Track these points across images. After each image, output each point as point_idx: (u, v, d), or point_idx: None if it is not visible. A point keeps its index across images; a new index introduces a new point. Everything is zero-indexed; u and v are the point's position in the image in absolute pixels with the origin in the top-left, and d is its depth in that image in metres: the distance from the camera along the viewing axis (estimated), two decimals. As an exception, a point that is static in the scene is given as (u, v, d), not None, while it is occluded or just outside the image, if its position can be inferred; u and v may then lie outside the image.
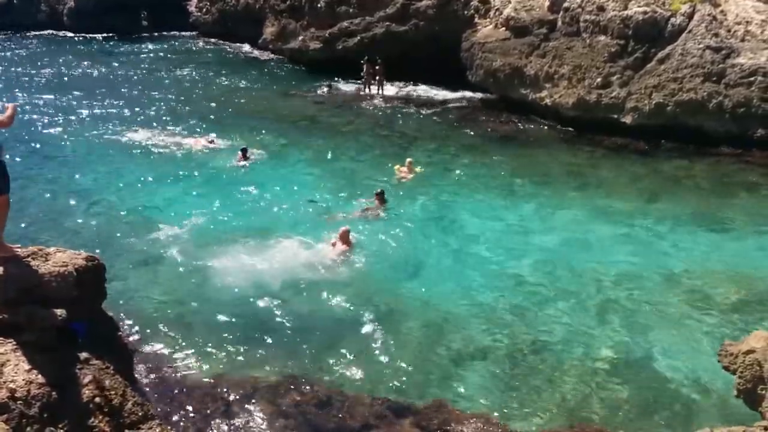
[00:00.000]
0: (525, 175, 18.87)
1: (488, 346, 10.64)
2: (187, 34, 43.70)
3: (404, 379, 9.73)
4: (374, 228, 14.77)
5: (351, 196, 16.79)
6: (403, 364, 10.06)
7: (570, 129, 22.99)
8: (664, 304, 11.90)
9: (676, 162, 19.92)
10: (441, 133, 23.25)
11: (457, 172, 19.07)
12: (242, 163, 18.76)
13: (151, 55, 37.59)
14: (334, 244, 13.52)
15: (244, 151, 18.98)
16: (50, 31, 45.12)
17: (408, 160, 18.58)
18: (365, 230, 14.53)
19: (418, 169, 18.39)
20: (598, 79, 22.41)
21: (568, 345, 10.66)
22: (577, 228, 15.29)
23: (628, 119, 21.80)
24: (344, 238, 13.46)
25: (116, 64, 34.27)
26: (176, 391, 9.17)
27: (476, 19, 28.03)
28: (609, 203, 16.79)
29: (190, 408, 8.87)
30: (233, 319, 11.04)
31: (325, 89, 29.55)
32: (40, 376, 6.47)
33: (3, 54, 37.31)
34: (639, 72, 21.93)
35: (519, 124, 24.22)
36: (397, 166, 18.53)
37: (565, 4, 24.04)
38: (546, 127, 23.75)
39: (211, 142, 20.55)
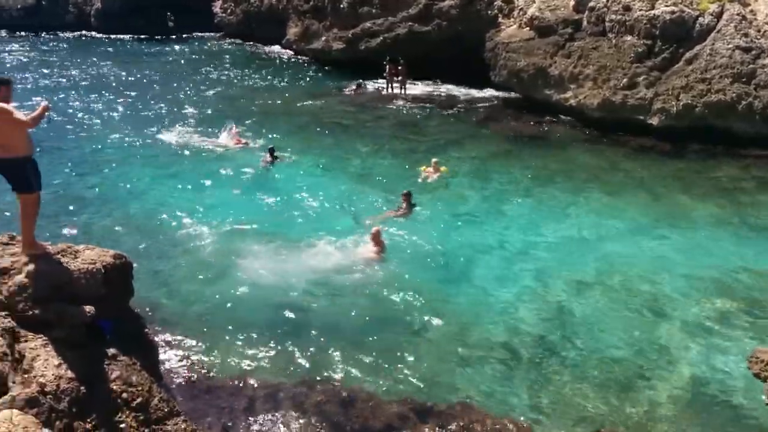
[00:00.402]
0: (549, 175, 18.73)
1: (515, 347, 10.55)
2: (212, 35, 44.13)
3: (429, 380, 9.69)
4: (401, 228, 14.72)
5: (376, 197, 16.76)
6: (428, 366, 10.02)
7: (594, 130, 22.77)
8: (697, 307, 11.71)
9: (704, 163, 19.65)
10: (464, 133, 23.17)
11: (481, 172, 19.00)
12: (269, 163, 18.83)
13: (176, 56, 38.00)
14: (364, 245, 13.49)
15: (271, 151, 19.06)
16: (78, 32, 45.81)
17: (433, 160, 18.52)
18: (392, 231, 14.49)
19: (443, 169, 18.32)
20: (624, 80, 22.18)
21: (597, 348, 10.54)
22: (603, 229, 15.13)
23: (654, 120, 21.54)
24: (376, 239, 13.40)
25: (143, 65, 34.65)
26: (201, 389, 9.23)
27: (500, 19, 27.92)
28: (635, 205, 16.59)
29: (214, 406, 8.91)
30: (259, 318, 11.07)
31: (354, 87, 29.53)
32: (69, 371, 6.56)
33: (32, 55, 37.91)
34: (666, 73, 21.67)
35: (543, 125, 24.06)
36: (422, 167, 18.48)
37: (591, 4, 23.83)
38: (570, 128, 23.56)
39: (241, 142, 20.63)
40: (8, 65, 34.33)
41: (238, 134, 21.08)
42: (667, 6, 21.90)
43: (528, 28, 26.12)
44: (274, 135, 21.60)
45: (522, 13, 26.84)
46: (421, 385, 9.56)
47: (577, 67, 23.53)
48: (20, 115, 7.01)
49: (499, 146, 21.70)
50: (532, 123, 24.27)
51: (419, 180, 17.93)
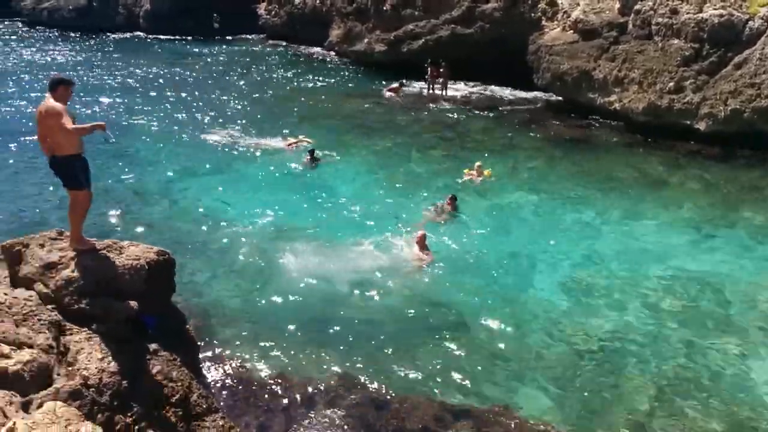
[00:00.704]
0: (592, 180, 18.46)
1: (555, 353, 10.43)
2: (256, 36, 44.71)
3: (466, 384, 9.64)
4: (444, 232, 14.67)
5: (417, 199, 16.71)
6: (466, 369, 9.96)
7: (639, 134, 22.35)
8: (743, 316, 11.40)
9: (753, 169, 19.12)
10: (506, 136, 22.99)
11: (524, 175, 18.81)
12: (310, 164, 18.97)
13: (221, 56, 38.59)
14: (409, 249, 13.44)
15: (311, 153, 19.21)
16: (127, 33, 46.92)
17: (477, 163, 18.37)
18: (435, 234, 14.44)
19: (486, 172, 18.18)
20: (671, 84, 21.72)
21: (641, 357, 10.32)
22: (648, 235, 14.86)
23: (701, 125, 21.05)
24: (421, 243, 13.34)
25: (189, 66, 35.29)
26: (239, 386, 9.35)
27: (543, 22, 27.63)
28: (681, 210, 16.26)
29: (251, 403, 9.02)
30: (298, 318, 11.16)
31: (394, 86, 29.50)
32: (111, 365, 6.72)
33: (82, 55, 38.96)
34: (714, 77, 21.14)
35: (586, 128, 23.73)
36: (466, 170, 18.38)
37: (637, 7, 23.41)
38: (614, 132, 23.18)
39: (290, 144, 20.74)
40: (60, 64, 35.31)
41: (295, 142, 21.05)
42: (715, 9, 21.35)
43: (572, 31, 25.79)
44: (314, 136, 21.75)
45: (566, 15, 26.52)
46: (458, 389, 9.52)
47: (622, 71, 23.13)
48: (67, 120, 7.19)
49: (541, 150, 21.47)
50: (575, 126, 23.96)
51: (463, 182, 17.81)
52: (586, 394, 9.48)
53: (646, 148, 21.47)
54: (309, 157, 19.08)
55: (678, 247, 14.27)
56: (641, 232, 15.07)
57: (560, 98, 26.43)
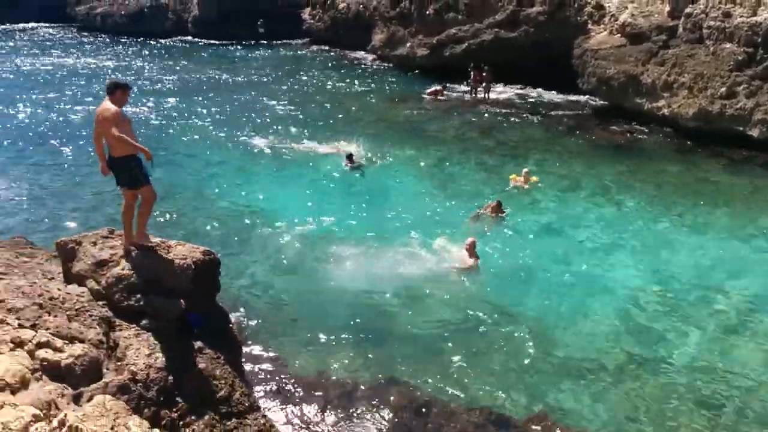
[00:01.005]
0: (640, 187, 18.07)
1: (598, 362, 10.25)
2: (299, 41, 45.24)
3: (508, 391, 9.54)
4: (491, 237, 14.56)
5: (462, 204, 16.57)
6: (509, 376, 9.88)
7: (688, 140, 21.85)
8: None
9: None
10: (551, 141, 22.73)
11: (570, 182, 18.51)
12: (349, 168, 19.10)
13: (266, 61, 39.17)
14: (457, 254, 13.35)
15: (349, 157, 19.29)
16: (176, 38, 48.00)
17: (525, 170, 18.16)
18: (482, 239, 14.31)
19: (533, 178, 17.98)
20: (722, 89, 21.16)
21: (685, 369, 10.07)
22: (698, 244, 14.51)
23: (755, 132, 20.44)
24: (470, 249, 13.21)
25: (235, 70, 35.90)
26: (280, 385, 9.45)
27: (589, 26, 27.25)
28: (733, 218, 15.82)
29: (291, 402, 9.10)
30: (341, 320, 11.22)
31: (437, 88, 29.39)
32: (158, 361, 6.86)
33: (134, 59, 39.97)
34: (768, 82, 20.55)
35: (633, 134, 23.30)
36: (513, 175, 18.19)
37: (687, 10, 22.90)
38: (662, 137, 22.71)
39: (335, 148, 20.76)
40: (112, 68, 36.31)
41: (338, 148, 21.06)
42: (771, 12, 20.76)
43: (619, 35, 25.37)
44: (359, 140, 21.85)
45: (613, 19, 26.10)
46: (501, 396, 9.42)
47: (671, 75, 22.64)
48: (115, 130, 7.38)
49: (586, 155, 21.14)
50: (621, 132, 23.56)
51: (507, 188, 17.62)
52: (626, 403, 9.30)
53: (696, 154, 20.97)
54: (348, 161, 19.16)
55: (732, 257, 13.87)
56: (692, 241, 14.72)
57: (605, 103, 26.00)
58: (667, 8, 23.99)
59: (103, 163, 7.86)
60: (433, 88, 29.45)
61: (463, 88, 30.50)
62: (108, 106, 7.51)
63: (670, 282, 12.78)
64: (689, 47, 22.64)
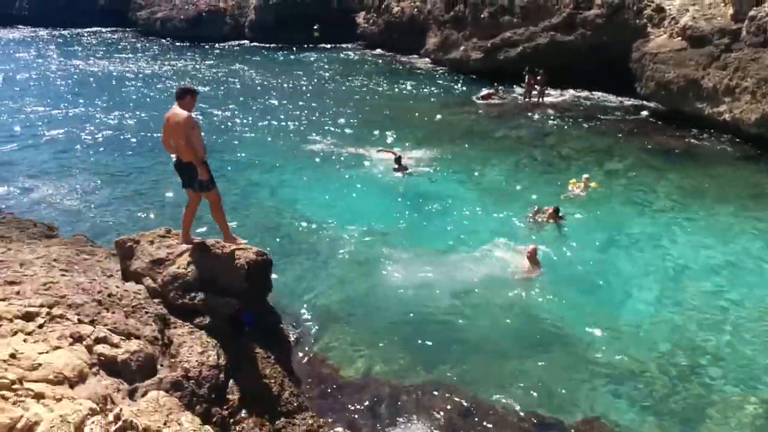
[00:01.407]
0: (701, 194, 17.55)
1: (650, 369, 10.05)
2: (354, 45, 45.54)
3: (556, 397, 9.44)
4: (548, 243, 14.34)
5: (517, 210, 16.33)
6: (559, 382, 9.76)
7: (751, 147, 21.07)
8: None
9: None
10: (607, 146, 22.24)
11: (628, 189, 18.06)
12: (399, 173, 18.95)
13: (322, 65, 39.53)
14: (520, 260, 13.21)
15: (398, 161, 19.16)
16: (233, 42, 48.98)
17: (585, 175, 17.82)
18: (540, 245, 14.13)
19: (593, 184, 17.62)
20: (788, 94, 20.35)
21: (735, 379, 9.77)
22: (759, 254, 13.99)
23: (822, 138, 19.61)
24: (532, 257, 13.05)
25: (290, 74, 36.32)
26: (328, 386, 9.53)
27: (649, 29, 26.59)
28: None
29: (339, 403, 9.17)
30: (392, 322, 11.27)
31: (489, 92, 29.08)
32: (211, 359, 7.00)
33: (193, 63, 40.93)
34: (837, 86, 19.66)
35: (692, 139, 22.60)
36: (572, 180, 17.88)
37: (752, 13, 22.09)
38: (723, 143, 21.96)
39: (388, 152, 20.54)
40: (172, 72, 37.27)
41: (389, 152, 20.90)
42: (843, 13, 19.86)
43: (679, 38, 24.68)
44: (409, 145, 21.80)
45: (674, 22, 25.41)
46: (550, 402, 9.33)
47: (734, 80, 21.89)
48: (185, 138, 7.68)
49: (645, 161, 20.59)
50: (680, 137, 22.88)
51: (563, 197, 17.23)
52: (676, 410, 9.13)
53: (759, 161, 20.20)
54: (397, 166, 19.05)
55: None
56: (755, 251, 14.20)
57: (664, 108, 25.32)
58: (731, 11, 23.22)
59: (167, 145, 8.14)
60: (485, 92, 29.19)
61: (519, 90, 30.15)
62: (178, 111, 7.76)
63: (725, 292, 12.40)
64: (753, 51, 21.85)
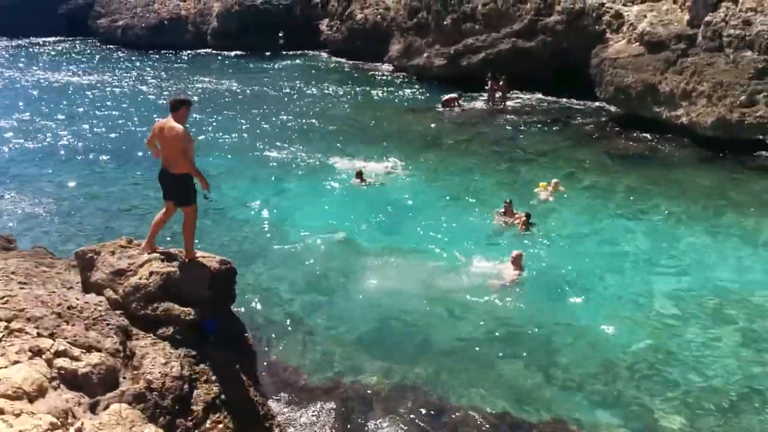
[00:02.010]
0: (660, 196, 17.93)
1: (617, 369, 10.26)
2: (317, 52, 45.52)
3: (524, 396, 9.59)
4: (517, 248, 14.52)
5: (484, 215, 16.47)
6: (527, 382, 9.92)
7: (707, 149, 21.62)
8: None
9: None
10: (569, 150, 22.58)
11: (592, 192, 18.38)
12: (360, 184, 18.70)
13: (284, 72, 39.40)
14: (492, 266, 13.29)
15: (359, 174, 18.90)
16: (195, 50, 48.53)
17: (554, 180, 18.08)
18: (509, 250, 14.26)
19: (561, 188, 17.85)
20: (742, 97, 20.94)
21: (705, 379, 10.01)
22: (716, 252, 14.43)
23: (775, 140, 20.22)
24: (517, 261, 13.10)
25: (252, 82, 36.09)
26: (295, 393, 9.50)
27: (608, 34, 27.12)
28: (757, 227, 15.66)
29: (307, 409, 9.15)
30: (358, 329, 11.30)
31: (453, 96, 29.23)
32: (174, 370, 6.92)
33: (154, 72, 40.44)
34: (789, 89, 20.28)
35: (651, 142, 23.10)
36: (542, 184, 18.10)
37: (707, 18, 22.72)
38: (680, 147, 22.48)
39: (351, 162, 20.36)
40: (131, 82, 36.77)
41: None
42: (792, 19, 20.53)
43: (637, 44, 25.23)
44: (377, 151, 21.74)
45: (632, 28, 25.95)
46: (516, 402, 9.47)
47: (690, 84, 22.46)
48: (189, 148, 7.78)
49: (607, 165, 20.99)
50: (639, 140, 23.36)
51: (537, 197, 17.51)
52: (642, 409, 9.34)
53: (715, 163, 20.75)
54: (357, 179, 18.82)
55: (753, 267, 13.77)
56: (707, 249, 14.65)
57: (623, 112, 25.85)
58: (687, 17, 23.83)
59: (155, 150, 8.18)
60: (448, 96, 29.22)
61: (482, 98, 30.34)
62: (174, 124, 7.76)
63: (688, 291, 12.73)
64: (709, 55, 22.45)
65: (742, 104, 20.94)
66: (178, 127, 7.72)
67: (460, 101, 29.21)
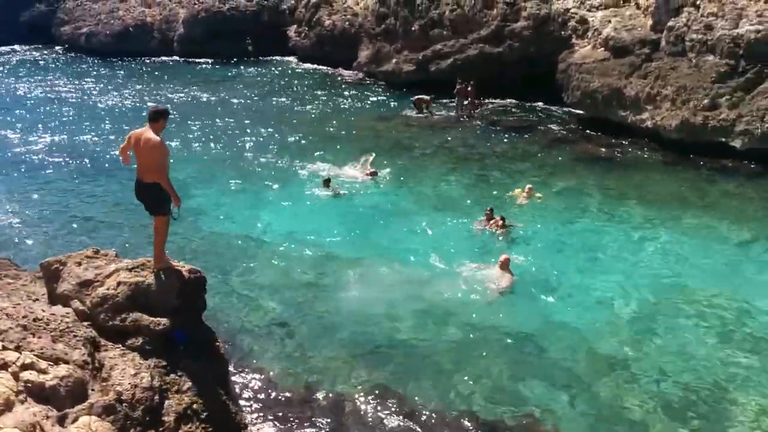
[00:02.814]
0: (627, 198, 18.28)
1: (595, 370, 10.42)
2: (286, 58, 45.34)
3: (498, 397, 9.67)
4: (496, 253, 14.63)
5: (456, 221, 16.56)
6: (500, 383, 10.03)
7: (672, 152, 22.05)
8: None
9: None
10: (539, 155, 22.84)
11: (562, 197, 18.59)
12: (326, 192, 18.60)
13: (252, 79, 39.13)
14: (488, 271, 13.32)
15: (326, 182, 18.79)
16: (161, 58, 47.97)
17: (528, 186, 18.23)
18: (488, 255, 14.32)
19: (537, 195, 18.00)
20: (705, 101, 21.41)
21: (676, 374, 10.25)
22: (685, 253, 14.75)
23: (737, 143, 20.67)
24: (505, 266, 13.14)
25: (219, 90, 35.71)
26: (268, 401, 9.43)
27: (573, 40, 27.55)
28: (721, 228, 16.06)
29: (280, 418, 9.08)
30: (331, 335, 11.28)
31: (425, 97, 29.18)
32: (144, 380, 6.81)
33: (120, 80, 39.88)
34: (751, 93, 20.77)
35: (617, 146, 23.49)
36: (517, 190, 18.25)
37: (670, 23, 23.21)
38: (646, 150, 22.91)
39: (371, 173, 20.06)
40: (96, 90, 36.19)
41: (370, 166, 20.57)
42: (752, 25, 21.04)
43: (602, 49, 25.66)
44: (349, 159, 21.60)
45: (597, 33, 26.41)
46: (495, 404, 9.57)
47: (654, 88, 22.90)
48: (166, 162, 7.79)
49: (572, 168, 21.28)
50: (606, 144, 23.71)
51: (515, 203, 17.67)
52: (615, 406, 9.54)
53: (680, 165, 21.18)
54: (325, 187, 18.69)
55: (719, 265, 14.12)
56: (674, 249, 14.99)
57: (589, 116, 26.23)
58: (650, 22, 24.32)
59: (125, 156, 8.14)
60: (418, 96, 29.22)
61: (452, 104, 30.45)
62: (152, 135, 7.68)
63: (657, 290, 13.01)
64: (672, 60, 22.93)
65: (705, 107, 21.40)
66: (156, 138, 7.67)
67: (431, 105, 29.26)
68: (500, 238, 15.40)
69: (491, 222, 15.78)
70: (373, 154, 21.06)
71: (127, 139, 7.95)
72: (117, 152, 8.22)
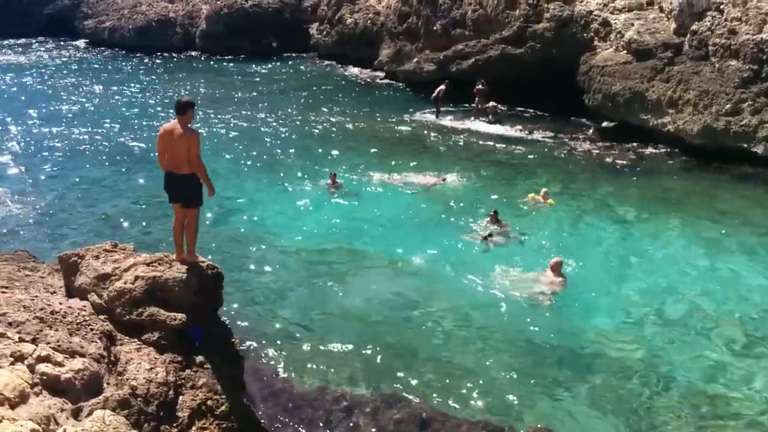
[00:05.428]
0: (650, 204, 18.09)
1: (602, 376, 10.31)
2: (307, 55, 45.44)
3: (508, 405, 9.58)
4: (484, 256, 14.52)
5: (467, 224, 16.50)
6: (509, 391, 9.89)
7: (693, 157, 21.79)
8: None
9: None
10: (557, 158, 22.68)
11: (579, 200, 18.44)
12: (332, 188, 18.56)
13: (271, 76, 39.23)
14: (540, 274, 13.25)
15: (332, 176, 18.74)
16: (183, 53, 48.26)
17: (544, 189, 18.10)
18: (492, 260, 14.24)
19: (550, 201, 17.86)
20: (727, 106, 21.13)
21: (689, 385, 10.06)
22: (702, 258, 14.60)
23: (759, 149, 20.38)
24: (556, 268, 12.98)
25: (239, 86, 35.91)
26: (281, 400, 9.42)
27: (595, 42, 27.29)
28: (741, 235, 15.82)
29: (292, 417, 9.07)
30: (345, 335, 11.21)
31: (442, 87, 29.16)
32: (159, 375, 6.85)
33: (141, 75, 40.18)
34: (774, 99, 20.48)
35: (638, 151, 23.26)
36: (531, 194, 18.11)
37: (693, 27, 22.93)
38: (667, 154, 22.65)
39: (441, 180, 19.81)
40: (118, 84, 36.48)
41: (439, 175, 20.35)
42: (777, 29, 20.73)
43: (625, 52, 25.40)
44: (355, 159, 21.55)
45: (619, 36, 26.13)
46: (501, 410, 9.45)
47: (677, 92, 22.64)
48: (193, 154, 7.87)
49: (593, 172, 21.08)
50: (626, 149, 23.50)
51: (527, 209, 17.53)
52: (629, 417, 9.33)
53: (701, 171, 20.93)
54: (330, 182, 18.67)
55: (739, 272, 13.91)
56: (690, 253, 14.85)
57: (611, 119, 26.00)
58: (673, 25, 24.03)
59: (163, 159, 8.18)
60: (439, 87, 29.17)
61: (470, 107, 30.31)
62: (183, 127, 7.82)
63: (674, 298, 12.86)
64: (695, 64, 22.65)
65: (728, 113, 21.12)
66: (189, 129, 7.88)
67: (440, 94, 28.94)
68: (500, 238, 15.30)
69: (501, 223, 15.75)
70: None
71: (159, 142, 8.04)
72: (155, 156, 8.21)
